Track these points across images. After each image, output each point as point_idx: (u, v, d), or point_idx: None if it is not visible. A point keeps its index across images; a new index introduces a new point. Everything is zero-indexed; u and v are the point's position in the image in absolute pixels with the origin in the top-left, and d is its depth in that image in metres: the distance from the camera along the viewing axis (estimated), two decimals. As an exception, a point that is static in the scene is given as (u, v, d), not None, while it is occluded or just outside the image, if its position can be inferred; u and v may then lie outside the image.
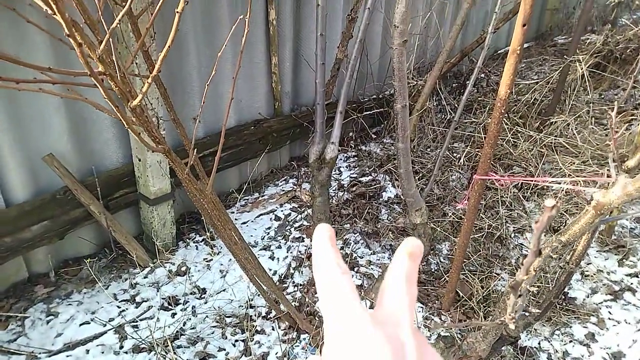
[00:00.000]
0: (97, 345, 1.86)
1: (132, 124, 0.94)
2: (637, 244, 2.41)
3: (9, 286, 2.13)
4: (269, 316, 2.06)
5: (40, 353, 1.81)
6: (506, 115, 2.92)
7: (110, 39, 0.75)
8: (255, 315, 2.05)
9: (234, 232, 1.53)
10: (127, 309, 2.06)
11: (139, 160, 2.16)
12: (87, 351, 1.84)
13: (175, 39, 1.91)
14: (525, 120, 2.87)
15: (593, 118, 2.75)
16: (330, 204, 2.68)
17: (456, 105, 3.16)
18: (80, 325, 1.95)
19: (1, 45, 1.74)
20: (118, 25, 1.69)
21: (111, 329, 1.93)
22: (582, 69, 2.61)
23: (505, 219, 2.58)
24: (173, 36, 0.67)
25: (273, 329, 1.99)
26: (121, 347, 1.86)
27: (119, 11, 1.70)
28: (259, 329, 2.00)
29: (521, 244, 2.52)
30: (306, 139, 3.15)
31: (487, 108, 3.17)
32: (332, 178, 3.05)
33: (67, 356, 1.81)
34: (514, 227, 2.59)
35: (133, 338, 1.88)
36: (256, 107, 2.81)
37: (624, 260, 2.35)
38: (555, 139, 2.63)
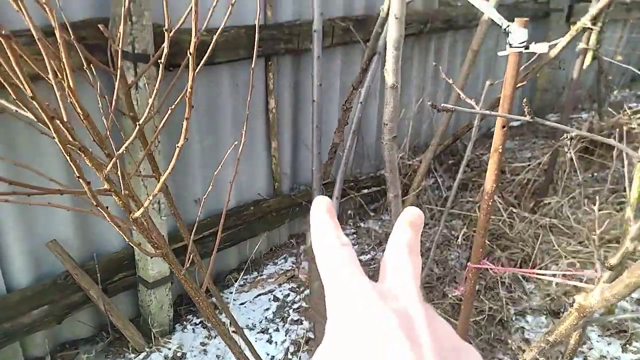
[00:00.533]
0: None
1: (136, 223, 1.00)
2: (639, 328, 2.37)
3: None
4: (264, 406, 2.00)
5: None
6: (500, 195, 2.99)
7: (118, 161, 0.83)
8: (250, 406, 2.00)
9: (231, 320, 1.55)
10: (119, 398, 2.01)
11: (139, 244, 2.21)
12: None
13: (175, 125, 2.04)
14: (520, 201, 2.94)
15: (586, 199, 2.82)
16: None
17: (451, 184, 3.25)
18: (71, 416, 1.90)
19: (16, 155, 1.85)
20: (123, 133, 1.80)
21: (102, 421, 1.88)
22: (570, 153, 2.73)
23: (505, 301, 2.56)
24: (173, 165, 0.75)
25: (268, 421, 1.93)
26: None
27: (125, 122, 1.82)
28: (254, 421, 1.93)
29: (522, 327, 2.48)
30: (305, 216, 3.21)
31: (481, 188, 3.25)
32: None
33: None
34: (514, 310, 2.57)
35: None
36: (256, 188, 2.90)
37: (627, 345, 2.30)
38: (550, 221, 2.68)
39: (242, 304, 2.69)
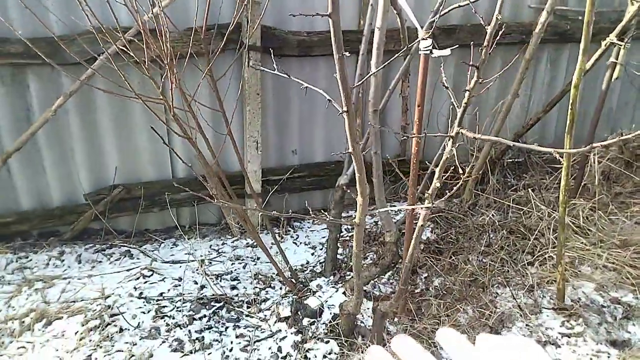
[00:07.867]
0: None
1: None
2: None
3: (165, 227, 3.61)
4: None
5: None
6: (539, 190, 3.21)
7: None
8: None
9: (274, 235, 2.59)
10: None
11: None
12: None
13: (282, 93, 3.15)
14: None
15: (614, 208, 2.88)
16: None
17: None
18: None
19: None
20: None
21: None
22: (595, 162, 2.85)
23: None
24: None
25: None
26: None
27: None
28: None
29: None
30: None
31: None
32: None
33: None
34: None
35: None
36: (342, 150, 3.83)
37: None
38: (575, 220, 2.87)
39: (311, 230, 3.73)
